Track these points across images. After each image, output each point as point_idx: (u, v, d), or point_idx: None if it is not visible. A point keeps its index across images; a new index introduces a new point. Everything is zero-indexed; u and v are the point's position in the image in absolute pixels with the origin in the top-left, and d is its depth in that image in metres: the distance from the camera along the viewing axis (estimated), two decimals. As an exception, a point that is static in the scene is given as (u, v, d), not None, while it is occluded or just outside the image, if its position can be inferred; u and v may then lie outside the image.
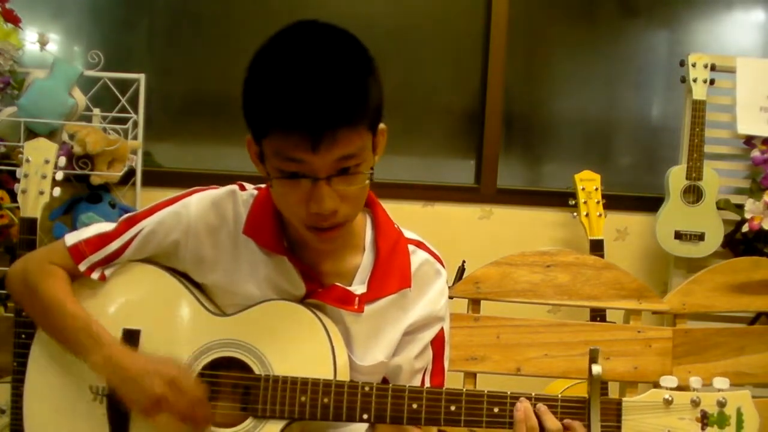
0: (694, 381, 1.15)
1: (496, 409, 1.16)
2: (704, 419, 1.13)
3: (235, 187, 1.26)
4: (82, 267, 1.26)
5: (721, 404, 1.13)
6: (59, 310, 1.23)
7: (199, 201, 1.24)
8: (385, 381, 1.28)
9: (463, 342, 1.78)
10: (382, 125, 1.14)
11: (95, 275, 1.26)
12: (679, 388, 1.15)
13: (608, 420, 1.14)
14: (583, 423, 1.15)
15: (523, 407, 1.15)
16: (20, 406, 1.28)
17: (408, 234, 1.30)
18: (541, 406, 1.15)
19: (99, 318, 1.25)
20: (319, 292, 1.22)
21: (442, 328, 1.31)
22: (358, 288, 1.23)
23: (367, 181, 1.11)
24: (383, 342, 1.25)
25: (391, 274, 1.24)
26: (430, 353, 1.30)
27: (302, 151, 1.04)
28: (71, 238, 1.28)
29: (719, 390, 1.14)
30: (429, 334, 1.29)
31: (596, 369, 1.13)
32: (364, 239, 1.26)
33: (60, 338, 1.25)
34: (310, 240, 1.15)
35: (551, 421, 1.14)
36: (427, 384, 1.29)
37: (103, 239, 1.26)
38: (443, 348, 1.32)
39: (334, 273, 1.24)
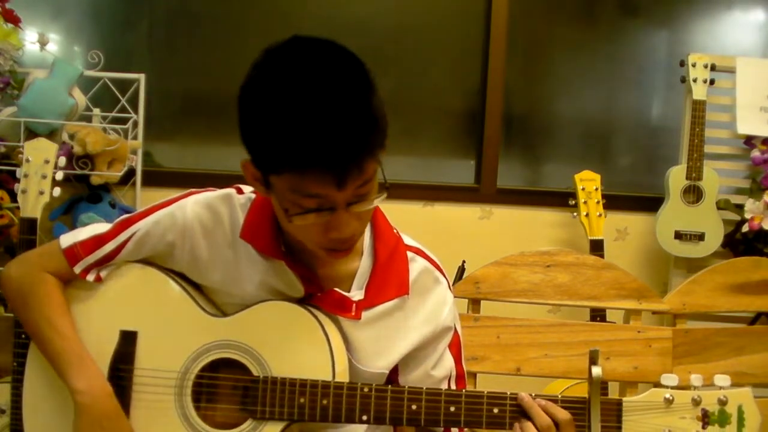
0: (695, 378, 1.14)
1: (495, 410, 1.16)
2: (705, 418, 1.13)
3: (232, 190, 1.24)
4: (77, 269, 1.25)
5: (722, 402, 1.13)
6: (49, 327, 1.23)
7: (195, 203, 1.23)
8: (388, 382, 1.27)
9: (463, 342, 1.78)
10: None
11: (90, 277, 1.26)
12: (679, 387, 1.15)
13: (609, 420, 1.14)
14: (584, 423, 1.14)
15: (527, 396, 1.15)
16: (20, 406, 1.28)
17: (407, 240, 1.29)
18: (545, 402, 1.15)
19: (96, 319, 1.26)
20: (318, 296, 1.21)
21: (455, 333, 1.30)
22: (356, 294, 1.22)
23: (384, 195, 1.09)
24: (384, 352, 1.24)
25: (389, 280, 1.23)
26: (449, 360, 1.30)
27: (325, 188, 1.02)
28: (66, 240, 1.27)
29: (720, 388, 1.14)
30: (443, 344, 1.29)
31: (596, 371, 1.13)
32: (362, 244, 1.25)
33: (47, 354, 1.24)
34: (324, 258, 1.14)
35: (561, 412, 1.14)
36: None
37: (98, 241, 1.25)
38: (461, 351, 1.32)
39: (332, 277, 1.23)
